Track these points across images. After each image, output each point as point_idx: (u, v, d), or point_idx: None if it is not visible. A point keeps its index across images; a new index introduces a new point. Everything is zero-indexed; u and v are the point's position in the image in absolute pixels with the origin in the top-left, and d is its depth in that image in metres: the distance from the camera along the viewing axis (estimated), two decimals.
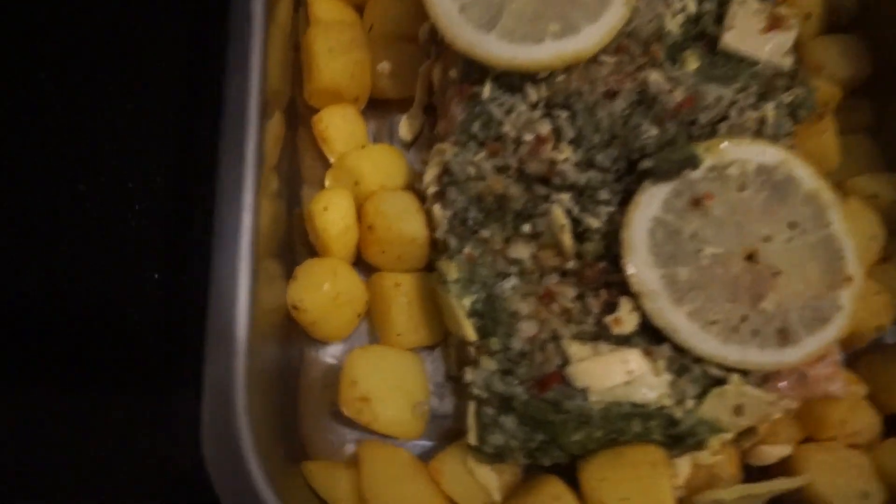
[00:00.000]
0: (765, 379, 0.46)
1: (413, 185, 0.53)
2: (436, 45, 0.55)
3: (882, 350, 0.53)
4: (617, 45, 0.50)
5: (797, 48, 0.61)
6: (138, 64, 0.63)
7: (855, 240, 0.47)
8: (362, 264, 0.52)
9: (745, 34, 0.52)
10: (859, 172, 0.57)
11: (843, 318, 0.46)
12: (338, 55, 0.52)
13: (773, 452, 0.47)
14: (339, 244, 0.48)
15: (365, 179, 0.50)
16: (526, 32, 0.48)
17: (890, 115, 0.60)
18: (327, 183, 0.52)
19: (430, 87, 0.56)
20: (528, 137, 0.48)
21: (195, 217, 0.57)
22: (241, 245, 0.42)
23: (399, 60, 0.56)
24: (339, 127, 0.53)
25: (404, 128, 0.57)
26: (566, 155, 0.48)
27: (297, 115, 0.54)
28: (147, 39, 0.63)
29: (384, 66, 0.55)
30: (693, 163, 0.46)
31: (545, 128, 0.48)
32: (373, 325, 0.51)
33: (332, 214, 0.48)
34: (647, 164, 0.47)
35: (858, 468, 0.46)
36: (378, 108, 0.58)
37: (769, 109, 0.50)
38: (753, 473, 0.48)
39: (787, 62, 0.52)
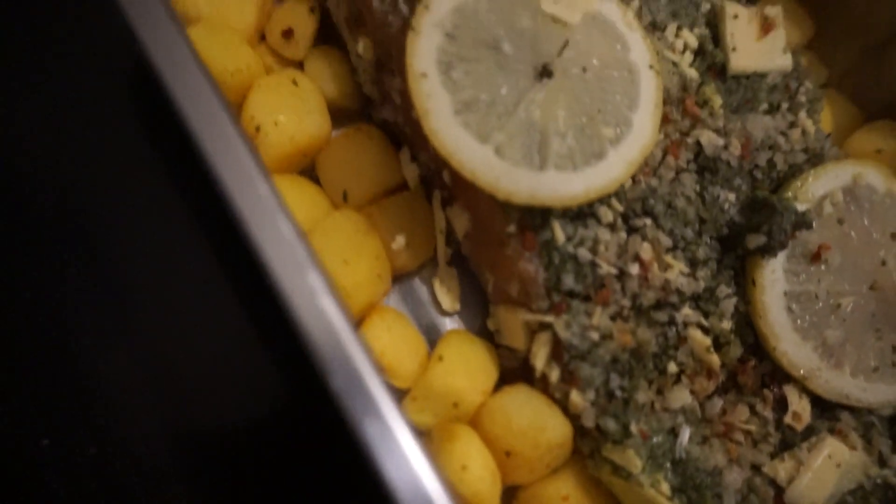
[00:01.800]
0: None
1: (503, 365, 0.43)
2: (446, 188, 0.44)
3: None
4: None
5: None
6: None
7: None
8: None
9: (748, 50, 0.48)
10: (848, 131, 0.57)
11: None
12: (356, 263, 0.39)
13: None
14: (492, 496, 0.38)
15: (465, 397, 0.40)
16: (584, 151, 0.39)
17: (842, 65, 0.60)
18: (412, 415, 0.41)
19: (450, 233, 0.45)
20: (634, 269, 0.40)
21: None
22: None
23: (406, 225, 0.44)
24: (392, 345, 0.40)
25: (444, 298, 0.45)
26: (676, 268, 0.41)
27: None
28: None
29: (400, 242, 0.43)
30: (805, 222, 0.42)
31: (644, 249, 0.41)
32: None
33: (474, 472, 0.37)
34: (757, 240, 0.42)
35: None
36: (396, 283, 0.46)
37: (804, 119, 0.47)
38: None
39: (787, 61, 0.49)
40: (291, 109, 0.42)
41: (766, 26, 0.48)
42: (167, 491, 0.44)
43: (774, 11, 0.48)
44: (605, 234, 0.41)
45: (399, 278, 0.46)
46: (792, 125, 0.47)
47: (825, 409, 0.43)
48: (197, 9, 0.43)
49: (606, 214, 0.41)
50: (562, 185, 0.38)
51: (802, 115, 0.47)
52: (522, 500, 0.42)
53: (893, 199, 0.46)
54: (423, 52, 0.39)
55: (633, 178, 0.42)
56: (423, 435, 0.40)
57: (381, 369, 0.30)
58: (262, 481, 0.44)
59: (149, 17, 0.34)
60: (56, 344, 0.46)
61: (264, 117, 0.41)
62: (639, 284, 0.40)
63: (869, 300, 0.44)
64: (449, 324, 0.46)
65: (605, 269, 0.40)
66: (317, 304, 0.29)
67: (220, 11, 0.44)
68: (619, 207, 0.41)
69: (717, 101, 0.46)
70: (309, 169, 0.46)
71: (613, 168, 0.39)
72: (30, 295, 0.46)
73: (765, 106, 0.47)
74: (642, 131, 0.41)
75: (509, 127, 0.39)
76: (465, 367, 0.41)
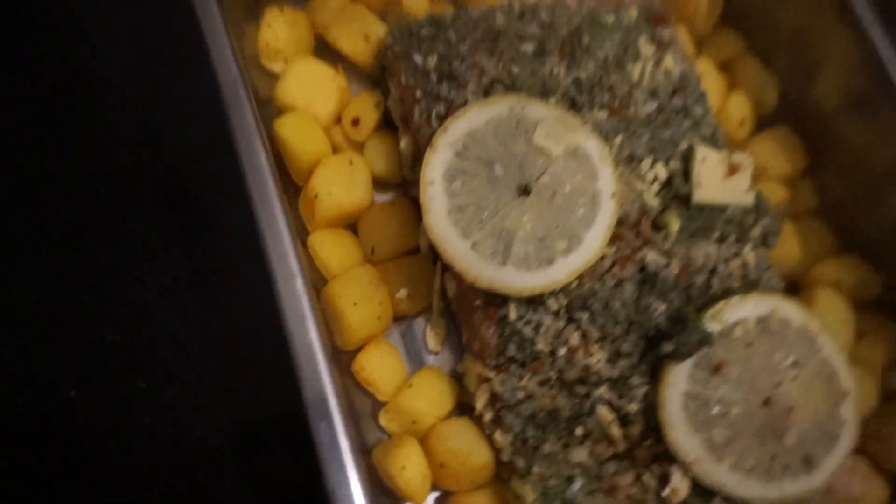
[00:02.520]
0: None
1: (461, 399, 0.57)
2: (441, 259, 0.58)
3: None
4: (612, 235, 0.55)
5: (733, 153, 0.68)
6: None
7: (840, 345, 0.55)
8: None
9: (712, 186, 0.58)
10: (819, 259, 0.66)
11: (851, 430, 0.55)
12: (362, 305, 0.55)
13: None
14: (421, 492, 0.53)
15: (421, 418, 0.54)
16: (538, 257, 0.52)
17: (833, 195, 0.68)
18: (383, 422, 0.56)
19: (444, 292, 0.60)
20: (563, 351, 0.53)
21: None
22: None
23: (414, 281, 0.58)
24: (380, 369, 0.56)
25: (432, 340, 0.60)
26: (598, 357, 0.53)
27: (339, 358, 0.56)
28: None
29: (403, 293, 0.58)
30: (708, 340, 0.52)
31: (574, 338, 0.53)
32: None
33: (410, 472, 0.52)
34: (668, 347, 0.53)
35: None
36: (396, 323, 0.61)
37: (748, 253, 0.57)
38: None
39: (749, 198, 0.59)
40: (344, 184, 0.58)
41: (733, 169, 0.58)
42: (222, 468, 0.59)
43: (741, 158, 0.58)
44: (547, 320, 0.53)
45: (402, 319, 0.61)
46: (735, 255, 0.57)
47: (703, 492, 0.54)
48: (292, 97, 0.60)
49: (553, 304, 0.54)
50: (515, 280, 0.52)
51: (748, 248, 0.57)
52: (452, 503, 0.56)
53: (804, 334, 0.55)
54: (435, 165, 0.53)
55: (581, 280, 0.54)
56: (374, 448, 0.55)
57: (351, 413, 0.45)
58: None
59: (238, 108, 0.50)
60: (137, 304, 0.63)
61: (322, 188, 0.57)
62: (565, 363, 0.53)
63: (759, 413, 0.53)
64: (432, 360, 0.61)
65: (541, 346, 0.53)
66: (308, 342, 0.45)
67: (309, 99, 0.60)
68: (564, 301, 0.54)
69: (676, 224, 0.57)
70: (353, 225, 0.61)
71: (558, 273, 0.52)
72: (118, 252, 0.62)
73: (717, 235, 0.57)
74: (590, 247, 0.53)
75: (486, 230, 0.52)
76: (428, 396, 0.55)
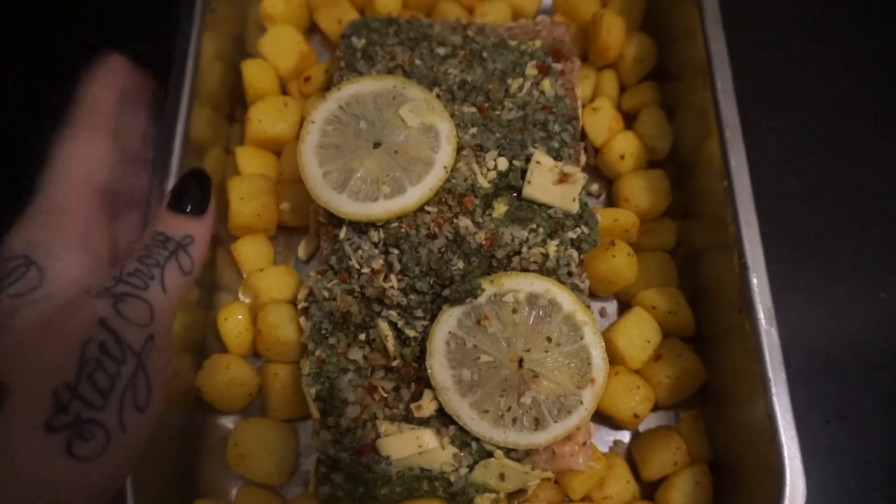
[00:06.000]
0: (526, 454, 0.63)
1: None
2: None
3: (644, 433, 0.69)
4: (438, 198, 0.68)
5: (613, 184, 0.78)
6: None
7: (601, 350, 0.63)
8: (260, 355, 0.72)
9: (541, 187, 0.69)
10: (653, 285, 0.73)
11: (584, 410, 0.62)
12: (247, 201, 0.72)
13: None
14: (235, 344, 0.69)
15: (261, 294, 0.71)
16: (366, 193, 0.67)
17: (685, 237, 0.75)
18: (240, 293, 0.73)
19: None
20: (366, 270, 0.67)
21: None
22: None
23: (298, 200, 0.75)
24: (250, 253, 0.73)
25: (301, 250, 0.77)
26: (393, 283, 0.66)
27: (222, 239, 0.74)
28: None
29: (285, 206, 0.75)
30: (474, 293, 0.63)
31: (378, 262, 0.67)
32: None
33: (229, 324, 0.68)
34: (447, 292, 0.65)
35: None
36: (287, 232, 0.78)
37: (552, 246, 0.67)
38: None
39: (574, 207, 0.69)
40: (273, 117, 0.77)
41: (563, 178, 0.68)
42: None
43: (573, 170, 0.68)
44: (366, 245, 0.67)
45: (288, 230, 0.78)
46: (542, 243, 0.67)
47: (445, 418, 0.64)
48: (264, 49, 0.80)
49: (374, 235, 0.67)
50: (343, 205, 0.66)
51: (553, 242, 0.67)
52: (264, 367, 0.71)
53: (570, 321, 0.64)
54: (320, 110, 0.70)
55: (401, 223, 0.67)
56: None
57: None
58: None
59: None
60: None
61: (254, 114, 0.76)
62: (366, 281, 0.66)
63: (505, 368, 0.63)
64: (301, 268, 0.77)
65: (353, 263, 0.67)
66: None
67: (276, 53, 0.80)
68: (383, 235, 0.67)
69: (503, 209, 0.69)
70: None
71: (377, 210, 0.66)
72: None
73: (532, 226, 0.68)
74: (411, 197, 0.66)
75: (336, 164, 0.68)
76: (271, 282, 0.71)
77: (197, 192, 0.54)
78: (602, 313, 0.77)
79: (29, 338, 0.44)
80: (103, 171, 0.57)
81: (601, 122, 0.77)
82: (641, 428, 0.71)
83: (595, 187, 0.81)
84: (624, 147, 0.76)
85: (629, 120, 0.81)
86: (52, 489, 0.42)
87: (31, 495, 0.41)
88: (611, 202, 0.80)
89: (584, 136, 0.79)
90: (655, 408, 0.70)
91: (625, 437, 0.72)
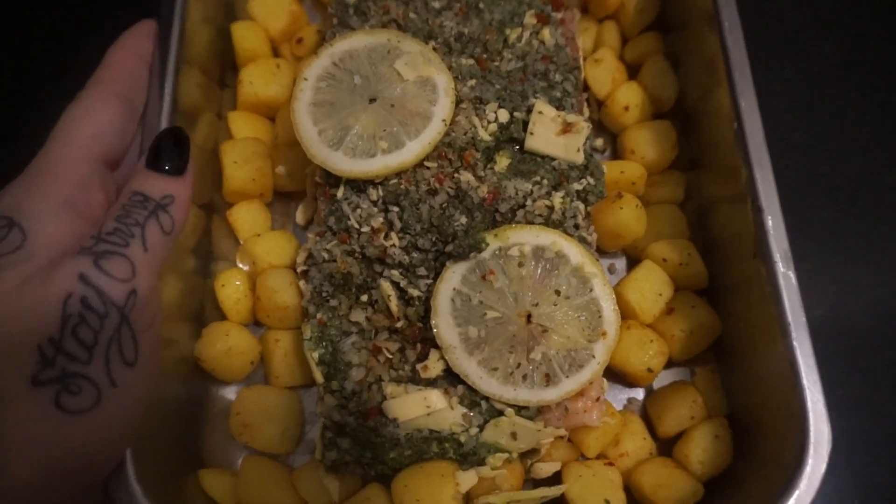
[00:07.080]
0: (538, 411, 0.61)
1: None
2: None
3: (658, 389, 0.67)
4: (438, 153, 0.65)
5: (618, 138, 0.75)
6: None
7: (612, 302, 0.61)
8: (260, 323, 0.70)
9: (544, 138, 0.66)
10: (662, 238, 0.70)
11: (596, 364, 0.60)
12: (241, 165, 0.70)
13: (546, 468, 0.62)
14: (234, 311, 0.66)
15: (259, 260, 0.68)
16: (363, 150, 0.64)
17: (694, 189, 0.73)
18: (238, 260, 0.71)
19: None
20: (366, 229, 0.64)
21: None
22: None
23: (294, 163, 0.73)
24: (246, 219, 0.71)
25: (299, 214, 0.74)
26: (394, 241, 0.64)
27: (217, 206, 0.72)
28: None
29: (281, 170, 0.73)
30: (478, 247, 0.61)
31: (378, 221, 0.64)
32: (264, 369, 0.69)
33: (227, 290, 0.66)
34: (450, 248, 0.62)
35: (608, 481, 0.60)
36: (284, 198, 0.76)
37: (557, 198, 0.65)
38: (538, 485, 0.63)
39: (579, 158, 0.66)
40: (265, 80, 0.74)
41: (566, 128, 0.66)
42: None
43: (576, 119, 0.66)
44: (365, 204, 0.65)
45: (285, 195, 0.75)
46: (547, 196, 0.64)
47: (452, 377, 0.62)
48: (254, 11, 0.78)
49: (372, 193, 0.65)
50: (339, 163, 0.64)
51: (558, 195, 0.64)
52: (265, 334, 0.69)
53: (579, 273, 0.61)
54: (313, 67, 0.67)
55: (399, 180, 0.65)
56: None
57: None
58: None
59: None
60: None
61: (246, 77, 0.74)
62: (366, 240, 0.64)
63: (513, 323, 0.61)
64: (299, 233, 0.74)
65: (352, 222, 0.65)
66: None
67: (265, 14, 0.78)
68: (382, 193, 0.65)
69: (505, 162, 0.66)
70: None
71: (375, 166, 0.64)
72: None
73: (536, 178, 0.65)
74: (409, 152, 0.64)
75: (332, 121, 0.65)
76: (268, 246, 0.69)
77: (174, 150, 0.53)
78: (611, 270, 0.75)
79: (10, 296, 0.43)
80: (107, 135, 0.56)
81: (604, 72, 0.74)
82: (656, 385, 0.69)
83: (599, 142, 0.79)
84: (628, 98, 0.74)
85: (633, 72, 0.78)
86: (46, 448, 0.40)
87: (26, 453, 0.39)
88: (616, 157, 0.77)
89: (586, 89, 0.77)
90: (669, 364, 0.68)
91: (639, 394, 0.70)
